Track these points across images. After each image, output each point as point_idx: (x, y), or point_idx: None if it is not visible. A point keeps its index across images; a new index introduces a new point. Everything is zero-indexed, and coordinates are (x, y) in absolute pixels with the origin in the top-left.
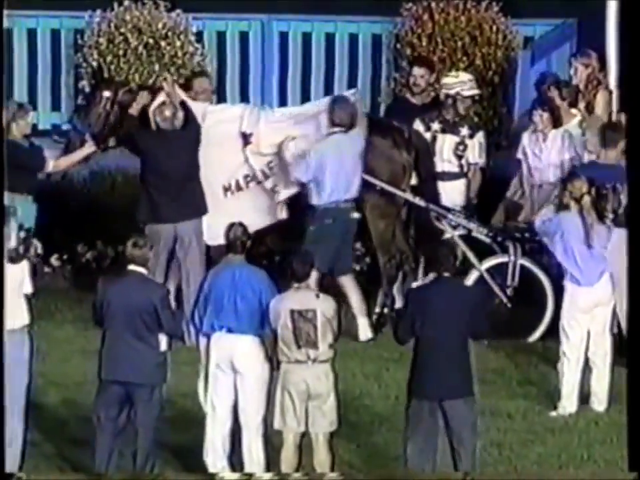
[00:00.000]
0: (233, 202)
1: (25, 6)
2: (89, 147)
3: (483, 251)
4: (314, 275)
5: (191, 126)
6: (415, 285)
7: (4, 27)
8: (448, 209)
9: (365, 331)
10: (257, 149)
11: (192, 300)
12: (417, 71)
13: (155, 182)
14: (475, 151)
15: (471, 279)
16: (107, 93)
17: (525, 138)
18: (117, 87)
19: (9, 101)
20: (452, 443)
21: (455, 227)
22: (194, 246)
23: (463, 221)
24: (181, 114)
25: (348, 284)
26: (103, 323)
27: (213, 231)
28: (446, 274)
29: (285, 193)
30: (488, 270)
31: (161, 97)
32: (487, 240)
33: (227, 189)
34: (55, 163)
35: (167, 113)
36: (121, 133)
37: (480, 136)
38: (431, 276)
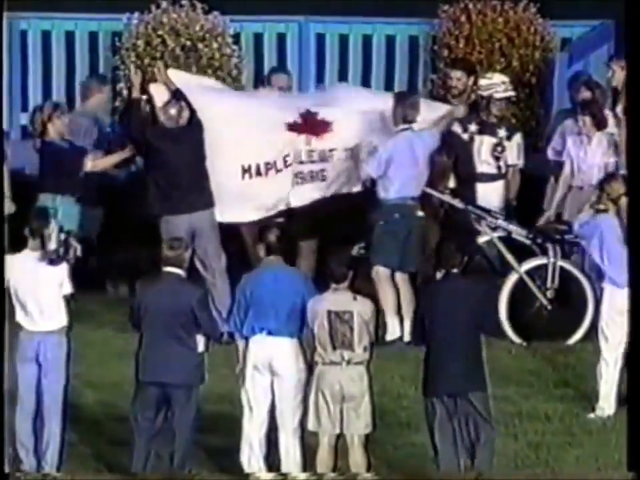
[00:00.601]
0: (249, 185)
1: (63, 8)
2: (129, 150)
3: (522, 253)
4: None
5: (195, 123)
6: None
7: (3, 27)
8: (487, 211)
9: (393, 331)
10: (306, 141)
11: (218, 290)
12: (455, 73)
13: (166, 176)
14: (513, 152)
15: (510, 281)
16: (144, 96)
17: (570, 141)
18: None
19: (45, 102)
20: (468, 440)
21: (493, 229)
22: (211, 236)
23: (502, 222)
24: (186, 112)
25: (402, 284)
26: (140, 326)
27: (225, 208)
28: (454, 271)
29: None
30: (527, 272)
31: (166, 96)
32: (527, 241)
33: (245, 171)
34: (93, 163)
35: (172, 111)
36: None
37: (518, 137)
38: (440, 273)
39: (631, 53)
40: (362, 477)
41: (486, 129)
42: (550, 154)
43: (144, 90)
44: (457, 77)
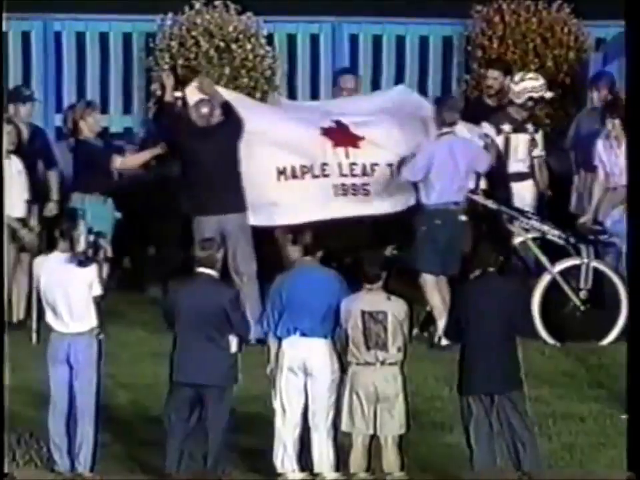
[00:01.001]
0: (284, 188)
1: (98, 9)
2: (160, 148)
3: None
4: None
5: (230, 122)
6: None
7: (3, 28)
8: (520, 211)
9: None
10: (346, 152)
11: (246, 294)
12: (492, 72)
13: (197, 176)
14: (540, 145)
15: (543, 282)
16: (177, 94)
17: (600, 145)
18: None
19: (78, 101)
20: (510, 440)
21: (527, 230)
22: (241, 240)
23: (535, 223)
24: (218, 111)
25: (442, 287)
26: (174, 326)
27: (258, 211)
28: (490, 270)
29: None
30: (561, 273)
31: (198, 95)
32: (560, 242)
33: (281, 173)
34: (122, 160)
35: (204, 110)
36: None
37: (540, 130)
38: (476, 272)
39: (631, 53)
40: (393, 477)
41: (518, 126)
42: (566, 144)
43: (177, 90)
44: (494, 77)
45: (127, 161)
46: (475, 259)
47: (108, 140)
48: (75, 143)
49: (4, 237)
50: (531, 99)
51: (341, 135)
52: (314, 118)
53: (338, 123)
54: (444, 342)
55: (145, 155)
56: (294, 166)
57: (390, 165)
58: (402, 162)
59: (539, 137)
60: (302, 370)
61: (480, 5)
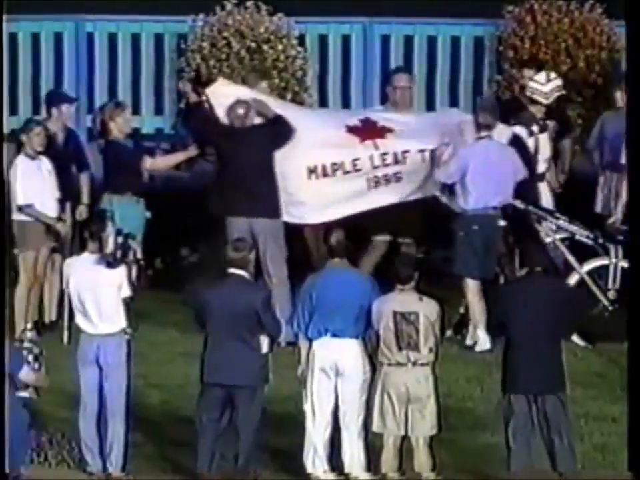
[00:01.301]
0: (315, 186)
1: (130, 11)
2: (191, 151)
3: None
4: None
5: (270, 127)
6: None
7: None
8: (549, 212)
9: (483, 342)
10: (374, 144)
11: (277, 297)
12: (528, 72)
13: (228, 177)
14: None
15: (571, 282)
16: (204, 96)
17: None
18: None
19: (107, 101)
20: (548, 441)
21: (555, 230)
22: (272, 243)
23: (563, 223)
24: (253, 112)
25: (477, 291)
26: (205, 326)
27: (290, 209)
28: (537, 269)
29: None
30: (589, 273)
31: (234, 95)
32: (589, 242)
33: (311, 171)
34: (152, 161)
35: (240, 111)
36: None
37: (553, 127)
38: (523, 271)
39: (630, 51)
40: (426, 477)
41: (543, 126)
42: (590, 144)
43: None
44: (529, 76)
45: (158, 162)
46: (523, 258)
47: (138, 141)
48: (104, 144)
49: (4, 237)
50: (559, 98)
51: (367, 130)
52: (339, 117)
53: (364, 120)
54: (478, 348)
55: (176, 157)
56: (324, 164)
57: (422, 151)
58: (437, 160)
59: (545, 136)
60: (333, 371)
61: (512, 5)
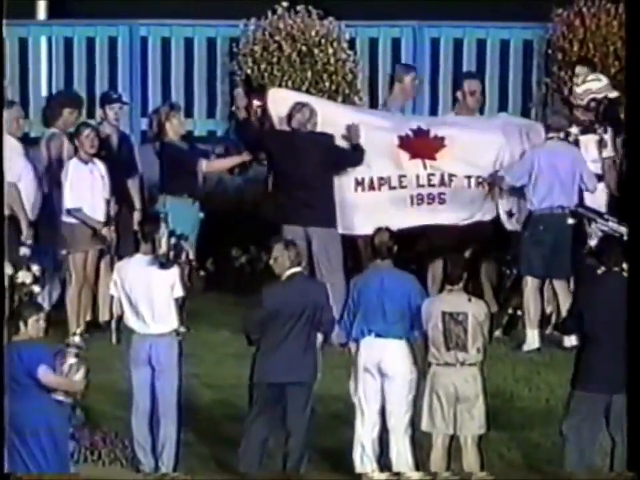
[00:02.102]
0: (361, 198)
1: (183, 15)
2: (246, 155)
3: None
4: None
5: (327, 134)
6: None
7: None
8: (598, 213)
9: (532, 342)
10: (423, 163)
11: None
12: (580, 69)
13: (283, 183)
14: (609, 145)
15: None
16: (257, 102)
17: None
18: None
19: (162, 104)
20: (613, 440)
21: (604, 232)
22: (330, 253)
23: (612, 224)
24: (316, 119)
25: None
26: (253, 340)
27: (337, 219)
28: (615, 268)
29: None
30: None
31: (294, 99)
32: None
33: (358, 183)
34: (209, 164)
35: (300, 116)
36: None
37: (610, 130)
38: (600, 270)
39: (630, 51)
40: (476, 476)
41: (587, 128)
42: None
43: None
44: (583, 74)
45: (214, 164)
46: (602, 257)
47: (193, 143)
48: (160, 146)
49: (4, 238)
50: (593, 99)
51: (418, 145)
52: (393, 126)
53: (417, 130)
54: (526, 347)
55: (232, 160)
56: (372, 177)
57: (468, 177)
58: (509, 167)
59: (607, 137)
60: (377, 370)
61: (560, 9)
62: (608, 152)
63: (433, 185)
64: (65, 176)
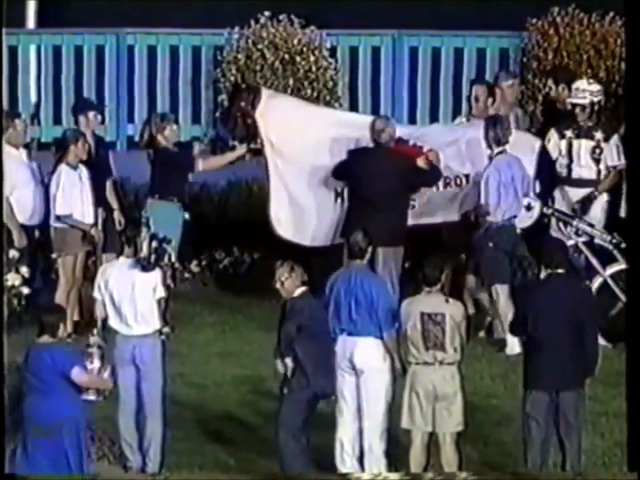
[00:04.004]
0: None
1: (169, 24)
2: (240, 150)
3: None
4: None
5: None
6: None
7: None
8: (572, 216)
9: (513, 346)
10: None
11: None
12: (553, 82)
13: (356, 200)
14: (613, 153)
15: (594, 285)
16: (243, 103)
17: None
18: (254, 93)
19: (149, 112)
20: (560, 437)
21: (578, 234)
22: (393, 273)
23: (586, 227)
24: (392, 128)
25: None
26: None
27: (321, 231)
28: (559, 271)
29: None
30: (612, 276)
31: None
32: (610, 246)
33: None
34: (204, 162)
35: (390, 132)
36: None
37: (615, 138)
38: (544, 273)
39: (630, 52)
40: (460, 477)
41: (582, 133)
42: None
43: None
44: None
45: (211, 162)
46: (544, 260)
47: (186, 148)
48: (154, 153)
49: (3, 240)
50: (592, 102)
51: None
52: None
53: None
54: (508, 351)
55: (227, 157)
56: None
57: (446, 178)
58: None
59: (611, 145)
60: (352, 369)
61: (535, 18)
62: (613, 161)
63: None
64: (57, 182)
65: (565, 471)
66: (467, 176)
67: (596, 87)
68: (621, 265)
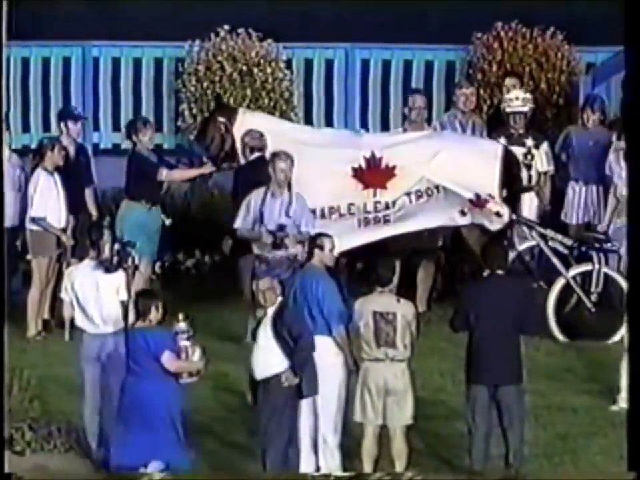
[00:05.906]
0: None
1: (132, 37)
2: (208, 167)
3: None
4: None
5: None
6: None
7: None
8: (530, 221)
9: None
10: (374, 192)
11: None
12: (509, 80)
13: None
14: (543, 160)
15: (558, 285)
16: (221, 119)
17: (611, 157)
18: (232, 113)
19: (113, 121)
20: (503, 430)
21: (544, 238)
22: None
23: (549, 232)
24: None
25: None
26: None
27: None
28: (499, 271)
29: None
30: (574, 277)
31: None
32: (567, 251)
33: (312, 211)
34: (168, 172)
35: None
36: None
37: (545, 145)
38: (485, 273)
39: (628, 54)
40: (406, 476)
41: (514, 140)
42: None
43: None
44: (512, 84)
45: (173, 174)
46: (486, 261)
47: (161, 155)
48: (129, 156)
49: (3, 242)
50: (526, 111)
51: (371, 175)
52: (346, 156)
53: (369, 160)
54: None
55: (191, 172)
56: (323, 208)
57: (408, 194)
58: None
59: (541, 151)
60: None
61: (480, 32)
62: (543, 166)
63: (379, 211)
64: (35, 186)
65: (508, 462)
66: (437, 187)
67: (529, 96)
68: (583, 267)
